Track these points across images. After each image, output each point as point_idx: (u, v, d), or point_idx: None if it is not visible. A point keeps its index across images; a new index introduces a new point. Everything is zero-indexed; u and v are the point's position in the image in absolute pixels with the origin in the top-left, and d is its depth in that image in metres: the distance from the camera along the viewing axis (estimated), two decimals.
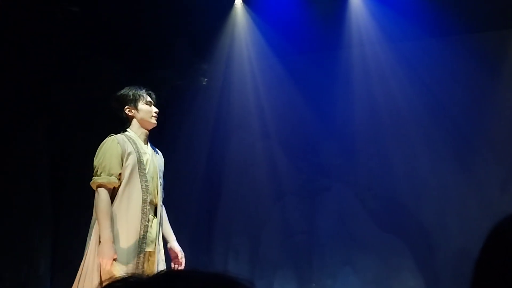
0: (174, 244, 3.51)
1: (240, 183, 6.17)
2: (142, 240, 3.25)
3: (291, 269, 5.84)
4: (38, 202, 5.55)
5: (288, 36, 5.85)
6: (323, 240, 5.79)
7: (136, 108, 3.46)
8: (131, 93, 3.47)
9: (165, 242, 3.51)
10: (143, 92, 3.50)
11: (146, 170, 3.35)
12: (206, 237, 6.19)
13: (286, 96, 6.05)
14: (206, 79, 6.37)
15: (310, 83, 5.98)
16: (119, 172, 3.25)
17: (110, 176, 3.22)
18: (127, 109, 3.46)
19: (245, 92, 6.16)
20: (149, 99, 3.51)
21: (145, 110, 3.47)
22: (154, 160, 3.45)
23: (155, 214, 3.39)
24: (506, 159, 5.27)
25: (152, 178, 3.38)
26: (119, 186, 3.26)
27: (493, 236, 1.06)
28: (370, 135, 5.76)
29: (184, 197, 5.91)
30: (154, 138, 3.62)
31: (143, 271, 3.21)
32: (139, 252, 3.23)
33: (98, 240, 3.17)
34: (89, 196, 3.40)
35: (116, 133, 3.41)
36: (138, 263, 3.22)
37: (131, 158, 3.29)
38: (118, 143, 3.29)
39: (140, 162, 3.32)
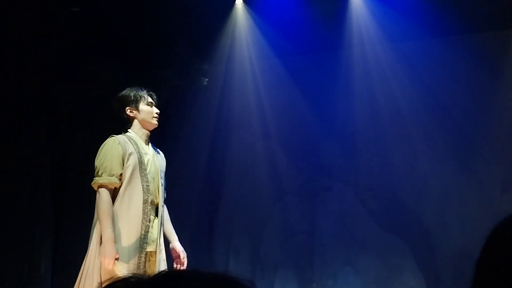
0: (176, 244, 3.52)
1: (240, 183, 6.17)
2: (143, 240, 3.26)
3: (292, 269, 5.84)
4: (38, 202, 5.55)
5: (288, 36, 5.85)
6: (324, 240, 5.79)
7: (137, 109, 3.47)
8: (132, 94, 3.48)
9: (167, 242, 3.52)
10: (144, 93, 3.51)
11: (147, 171, 3.36)
12: (207, 237, 6.19)
13: (286, 96, 6.05)
14: (206, 79, 6.37)
15: (311, 83, 5.98)
16: (120, 173, 3.27)
17: (111, 176, 3.24)
18: (128, 110, 3.47)
19: (246, 92, 6.16)
20: (150, 100, 3.52)
21: (146, 111, 3.48)
22: (155, 160, 3.46)
23: (156, 215, 3.40)
24: (507, 159, 5.27)
25: (153, 179, 3.40)
26: (120, 186, 3.27)
27: (493, 236, 1.06)
28: (370, 135, 5.76)
29: (184, 197, 5.91)
30: (155, 138, 3.62)
31: (144, 271, 3.22)
32: (140, 251, 3.24)
33: (100, 240, 3.19)
34: (90, 196, 3.41)
35: (117, 134, 3.42)
36: (140, 263, 3.23)
37: (132, 159, 3.31)
38: (119, 143, 3.31)
39: (141, 163, 3.33)
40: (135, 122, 3.48)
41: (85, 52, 5.80)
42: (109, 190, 3.24)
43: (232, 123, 6.26)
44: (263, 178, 6.05)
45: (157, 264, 3.34)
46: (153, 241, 3.33)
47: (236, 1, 5.97)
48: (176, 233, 3.61)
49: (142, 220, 3.27)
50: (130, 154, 3.31)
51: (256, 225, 6.04)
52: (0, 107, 5.23)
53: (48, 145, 5.69)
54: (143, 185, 3.31)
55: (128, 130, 3.47)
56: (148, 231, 3.29)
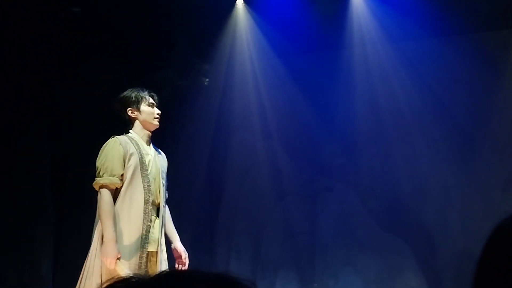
0: (178, 244, 3.53)
1: (241, 183, 6.17)
2: (144, 240, 3.28)
3: (293, 269, 5.84)
4: (39, 202, 5.56)
5: (289, 36, 5.85)
6: (325, 240, 5.79)
7: (138, 110, 3.49)
8: (133, 95, 3.50)
9: (169, 242, 3.53)
10: (145, 94, 3.53)
11: (148, 171, 3.38)
12: (208, 237, 6.19)
13: (287, 96, 6.05)
14: (207, 79, 6.37)
15: (312, 83, 5.97)
16: (121, 173, 3.29)
17: (113, 177, 3.26)
18: (130, 111, 3.48)
19: (247, 92, 6.16)
20: (151, 100, 3.54)
21: (148, 112, 3.49)
22: (157, 161, 3.47)
23: (158, 215, 3.41)
24: (508, 159, 5.27)
25: (154, 179, 3.41)
26: (122, 186, 3.29)
27: (494, 236, 1.06)
28: (371, 135, 5.76)
29: (185, 197, 5.91)
30: (156, 138, 3.63)
31: (145, 271, 3.24)
32: (142, 250, 3.25)
33: (101, 240, 3.21)
34: (90, 196, 3.41)
35: (117, 134, 3.43)
36: (141, 263, 3.25)
37: (133, 159, 3.32)
38: (120, 144, 3.33)
39: (142, 163, 3.35)
40: (137, 123, 3.49)
41: (85, 52, 5.80)
42: (110, 190, 3.26)
43: (233, 123, 6.26)
44: (264, 178, 6.05)
45: (158, 264, 3.36)
46: (154, 241, 3.34)
47: (237, 1, 5.97)
48: (177, 233, 3.62)
49: (143, 220, 3.29)
50: (131, 155, 3.32)
51: (257, 225, 6.04)
52: (1, 107, 5.23)
53: (48, 145, 5.69)
54: (144, 186, 3.33)
55: (130, 130, 3.49)
56: (149, 231, 3.31)
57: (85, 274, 3.24)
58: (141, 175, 3.33)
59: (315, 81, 5.95)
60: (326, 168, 5.93)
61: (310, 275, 5.80)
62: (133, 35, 5.93)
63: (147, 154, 3.43)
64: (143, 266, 3.25)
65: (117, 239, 3.19)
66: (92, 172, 3.37)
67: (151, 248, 3.32)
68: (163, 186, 3.47)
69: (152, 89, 3.68)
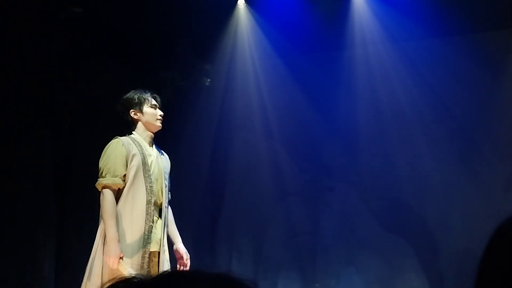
0: (179, 245, 3.55)
1: (243, 183, 6.17)
2: (146, 240, 3.30)
3: (295, 269, 5.84)
4: (42, 203, 5.56)
5: (290, 36, 5.84)
6: (327, 240, 5.79)
7: (141, 111, 3.51)
8: (136, 96, 3.52)
9: (171, 243, 3.55)
10: (148, 96, 3.55)
11: (151, 172, 3.40)
12: (210, 237, 6.20)
13: (289, 96, 6.05)
14: (209, 80, 6.37)
15: (313, 83, 5.97)
16: (123, 173, 3.32)
17: (115, 177, 3.29)
18: (132, 113, 3.51)
19: (248, 93, 6.16)
20: (154, 102, 3.56)
21: (150, 113, 3.52)
22: (159, 162, 3.50)
23: (160, 215, 3.43)
24: (509, 159, 5.26)
25: (157, 180, 3.44)
26: (124, 187, 3.32)
27: (496, 236, 1.06)
28: (373, 135, 5.75)
29: (187, 197, 5.91)
30: (157, 139, 3.64)
31: (148, 271, 3.25)
32: (144, 250, 3.27)
33: (104, 239, 3.23)
34: (92, 196, 3.43)
35: (119, 133, 3.46)
36: (143, 263, 3.27)
37: (135, 160, 3.35)
38: (122, 145, 3.35)
39: (144, 164, 3.37)
40: (139, 124, 3.52)
41: (87, 53, 5.80)
42: (113, 190, 3.29)
43: (234, 123, 6.26)
44: (265, 178, 6.05)
45: (160, 264, 3.38)
46: (156, 241, 3.36)
47: (238, 2, 5.97)
48: (179, 234, 3.63)
49: (145, 221, 3.31)
50: (133, 155, 3.35)
51: (258, 225, 6.04)
52: (2, 107, 5.24)
53: (50, 145, 5.70)
54: (146, 186, 3.35)
55: (132, 132, 3.51)
56: (151, 231, 3.33)
57: (88, 273, 3.26)
58: (144, 175, 3.36)
59: (317, 81, 5.95)
60: (327, 168, 5.93)
61: (312, 275, 5.80)
62: (134, 35, 5.93)
63: (150, 155, 3.45)
64: (145, 266, 3.27)
65: (120, 238, 3.21)
66: (93, 172, 3.38)
67: (153, 248, 3.34)
68: (165, 187, 3.49)
69: (154, 89, 3.69)
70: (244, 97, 6.18)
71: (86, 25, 5.64)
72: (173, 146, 5.18)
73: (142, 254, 3.28)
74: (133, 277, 0.83)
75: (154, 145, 3.56)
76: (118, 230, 3.22)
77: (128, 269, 3.15)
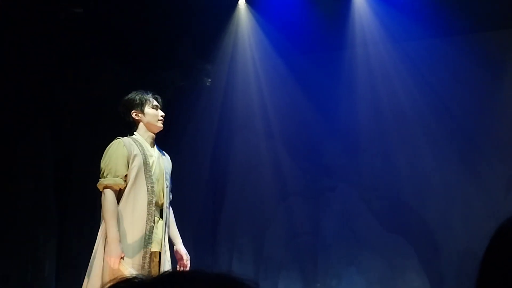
0: (180, 246, 3.57)
1: (244, 183, 6.17)
2: (147, 240, 3.31)
3: (296, 270, 5.84)
4: (42, 203, 5.57)
5: (291, 36, 5.84)
6: (328, 240, 5.79)
7: (142, 112, 3.53)
8: (137, 97, 3.54)
9: (171, 244, 3.56)
10: (149, 96, 3.57)
11: (152, 172, 3.42)
12: (211, 238, 6.20)
13: (289, 96, 6.05)
14: (209, 80, 6.37)
15: (314, 83, 5.97)
16: (125, 174, 3.33)
17: (116, 177, 3.30)
18: (134, 113, 3.53)
19: (249, 93, 6.16)
20: (155, 103, 3.58)
21: (152, 114, 3.53)
22: (161, 162, 3.52)
23: (161, 216, 3.44)
24: (510, 159, 5.25)
25: (158, 180, 3.45)
26: (125, 187, 3.33)
27: (497, 236, 1.06)
28: (374, 135, 5.75)
29: (188, 197, 5.91)
30: (158, 139, 3.65)
31: (149, 271, 3.26)
32: (145, 248, 3.28)
33: (105, 239, 3.25)
34: (93, 197, 3.44)
35: (119, 134, 3.47)
36: (144, 263, 3.28)
37: (137, 160, 3.36)
38: (124, 145, 3.37)
39: (146, 164, 3.39)
40: (141, 125, 3.53)
41: (87, 53, 5.81)
42: (114, 191, 3.31)
43: (235, 123, 6.26)
44: (266, 178, 6.05)
45: (161, 264, 3.39)
46: (157, 241, 3.37)
47: (239, 2, 5.97)
48: (180, 234, 3.66)
49: (146, 221, 3.33)
50: (135, 156, 3.37)
51: (259, 225, 6.04)
52: (3, 108, 5.24)
53: (50, 146, 5.70)
54: (147, 186, 3.37)
55: (134, 132, 3.53)
56: (152, 231, 3.35)
57: (89, 273, 3.27)
58: (145, 176, 3.37)
59: (317, 81, 5.95)
60: (328, 168, 5.93)
61: (313, 275, 5.80)
62: (135, 35, 5.93)
63: (151, 156, 3.47)
64: (146, 266, 3.28)
65: (121, 239, 3.23)
66: (94, 172, 3.39)
67: (154, 248, 3.35)
68: (166, 187, 3.51)
69: (154, 90, 3.71)
70: (244, 97, 6.17)
71: (87, 25, 5.64)
72: (174, 146, 5.19)
73: (143, 254, 3.29)
74: (134, 277, 0.83)
75: (155, 146, 3.58)
76: (119, 230, 3.24)
77: (129, 269, 3.16)
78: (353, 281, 5.61)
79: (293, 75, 6.00)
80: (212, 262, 6.01)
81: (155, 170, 3.44)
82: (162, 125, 3.57)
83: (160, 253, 3.40)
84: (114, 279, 0.84)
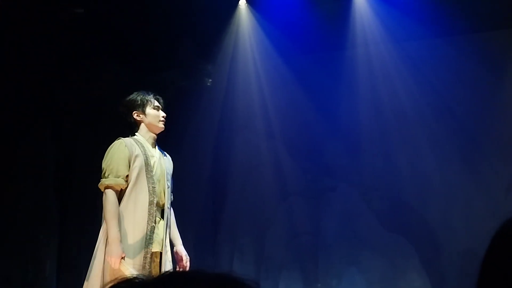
0: (180, 248, 3.58)
1: (244, 183, 6.17)
2: (148, 240, 3.32)
3: (297, 270, 5.84)
4: (43, 203, 5.57)
5: (292, 37, 5.84)
6: (328, 240, 5.79)
7: (144, 113, 3.54)
8: (139, 98, 3.55)
9: (171, 245, 3.57)
10: (150, 97, 3.59)
11: (153, 172, 3.43)
12: (211, 238, 6.20)
13: (290, 96, 6.05)
14: (210, 80, 6.37)
15: (315, 83, 5.97)
16: (126, 174, 3.34)
17: (118, 178, 3.31)
18: (135, 114, 3.54)
19: (250, 93, 6.16)
20: (156, 104, 3.60)
21: (153, 115, 3.55)
22: (162, 163, 3.53)
23: (162, 216, 3.45)
24: (511, 159, 5.25)
25: (159, 181, 3.46)
26: (127, 187, 3.34)
27: (499, 237, 1.06)
28: (374, 135, 5.75)
29: (189, 197, 5.92)
30: (159, 139, 3.65)
31: (149, 271, 3.27)
32: (146, 249, 3.28)
33: (106, 239, 3.25)
34: (94, 197, 3.44)
35: (120, 134, 3.48)
36: (145, 263, 3.29)
37: (138, 160, 3.38)
38: (125, 146, 3.38)
39: (147, 165, 3.40)
40: (142, 125, 3.55)
41: (88, 53, 5.81)
42: (116, 191, 3.32)
43: (236, 123, 6.26)
44: (267, 178, 6.05)
45: (162, 264, 3.40)
46: (158, 242, 3.38)
47: (240, 2, 5.97)
48: (180, 234, 3.66)
49: (147, 221, 3.34)
50: (136, 156, 3.38)
51: (260, 225, 6.04)
52: (3, 108, 5.24)
53: (51, 146, 5.71)
54: (149, 187, 3.38)
55: (135, 133, 3.54)
56: (153, 232, 3.35)
57: (90, 273, 3.28)
58: (146, 176, 3.38)
59: (318, 81, 5.95)
60: (329, 168, 5.93)
61: (314, 275, 5.80)
62: (135, 35, 5.93)
63: (152, 156, 3.48)
64: (147, 267, 3.29)
65: (122, 239, 3.23)
66: (94, 172, 3.40)
67: (155, 248, 3.36)
68: (168, 188, 3.52)
69: (155, 90, 3.72)
70: (245, 97, 6.17)
71: (87, 25, 5.64)
72: (174, 146, 5.19)
73: (144, 254, 3.29)
74: (135, 278, 0.83)
75: (157, 146, 3.59)
76: (120, 230, 3.24)
77: (130, 269, 3.17)
78: (353, 281, 5.61)
79: (294, 75, 6.00)
80: (213, 262, 6.01)
81: (156, 170, 3.45)
82: (163, 126, 3.59)
83: (161, 253, 3.41)
84: (115, 279, 0.84)
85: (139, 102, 3.54)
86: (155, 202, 3.37)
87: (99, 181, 3.34)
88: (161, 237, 3.40)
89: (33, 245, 5.44)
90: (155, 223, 3.36)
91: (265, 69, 6.11)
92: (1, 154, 5.26)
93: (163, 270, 3.35)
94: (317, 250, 5.83)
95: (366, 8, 5.69)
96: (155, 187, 3.39)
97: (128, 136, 3.49)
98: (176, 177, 3.73)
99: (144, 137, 3.52)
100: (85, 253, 3.48)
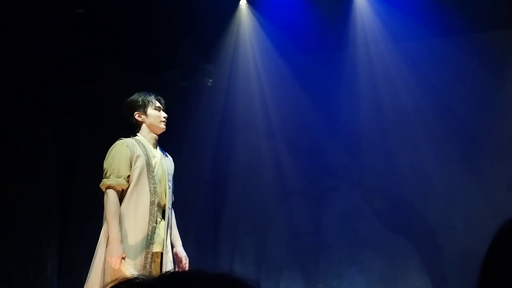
0: (179, 249, 3.59)
1: (245, 183, 6.17)
2: (149, 241, 3.32)
3: (298, 270, 5.84)
4: (44, 203, 5.57)
5: (292, 36, 5.84)
6: (329, 240, 5.79)
7: (145, 113, 3.56)
8: (140, 99, 3.57)
9: (171, 246, 3.56)
10: (152, 98, 3.60)
11: (155, 173, 3.44)
12: (212, 238, 6.20)
13: (291, 96, 6.05)
14: (211, 80, 6.37)
15: (315, 83, 5.97)
16: (127, 174, 3.35)
17: (119, 178, 3.32)
18: (137, 115, 3.55)
19: (250, 93, 6.16)
20: (158, 104, 3.61)
21: (154, 116, 3.56)
22: (163, 163, 3.54)
23: (163, 217, 3.45)
24: None
25: (160, 181, 3.47)
26: (128, 188, 3.35)
27: (499, 236, 1.06)
28: (375, 135, 5.75)
29: (190, 197, 5.92)
30: (160, 139, 3.66)
31: (150, 272, 3.27)
32: (147, 249, 3.29)
33: (107, 239, 3.26)
34: (95, 197, 3.44)
35: (121, 134, 3.49)
36: (146, 263, 3.29)
37: (139, 161, 3.39)
38: (127, 146, 3.39)
39: (148, 165, 3.41)
40: (143, 126, 3.56)
41: (89, 53, 5.81)
42: (117, 191, 3.32)
43: (237, 123, 6.26)
44: (268, 178, 6.05)
45: (163, 265, 3.40)
46: (159, 242, 3.39)
47: (240, 2, 5.97)
48: (181, 234, 3.67)
49: (148, 221, 3.34)
50: (138, 157, 3.39)
51: (261, 225, 6.03)
52: (4, 108, 5.25)
53: (52, 146, 5.71)
54: (150, 187, 3.38)
55: (137, 134, 3.55)
56: (154, 232, 3.36)
57: (91, 273, 3.28)
58: (147, 176, 3.39)
59: (319, 81, 5.95)
60: (330, 168, 5.93)
61: (315, 275, 5.79)
62: (136, 35, 5.94)
63: (154, 157, 3.49)
64: (148, 267, 3.29)
65: (123, 239, 3.24)
66: (95, 172, 3.40)
67: (156, 248, 3.36)
68: (169, 188, 3.53)
69: (156, 90, 3.73)
70: (246, 97, 6.18)
71: (88, 25, 5.65)
72: (175, 146, 5.19)
73: (145, 254, 3.30)
74: (136, 278, 0.83)
75: (158, 147, 3.60)
76: (121, 230, 3.25)
77: (130, 269, 3.17)
78: (354, 281, 5.61)
79: (295, 75, 6.00)
80: (214, 262, 6.01)
81: (157, 171, 3.45)
82: (164, 126, 3.60)
83: (162, 253, 3.41)
84: (116, 279, 0.84)
85: (140, 102, 3.55)
86: (156, 202, 3.38)
87: (100, 181, 3.35)
88: (162, 237, 3.40)
89: (33, 245, 5.45)
90: (156, 223, 3.37)
91: (265, 69, 6.11)
92: (1, 154, 5.27)
93: (164, 270, 3.35)
94: (318, 250, 5.83)
95: (367, 8, 5.69)
96: (156, 188, 3.40)
97: (129, 137, 3.50)
98: (177, 177, 3.74)
99: (145, 137, 3.53)
100: (86, 253, 3.48)
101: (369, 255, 5.59)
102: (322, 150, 5.97)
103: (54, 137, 5.72)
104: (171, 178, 3.59)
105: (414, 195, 5.55)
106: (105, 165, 3.37)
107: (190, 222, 5.83)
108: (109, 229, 3.24)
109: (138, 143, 3.45)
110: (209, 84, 6.37)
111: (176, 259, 3.56)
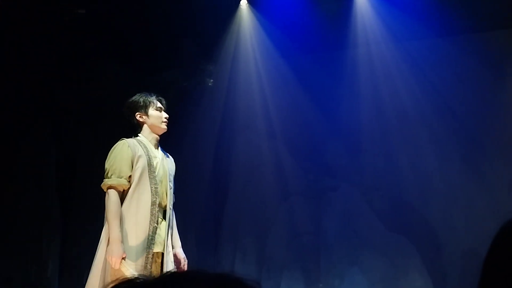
0: (179, 250, 3.59)
1: (246, 183, 6.17)
2: (150, 241, 3.33)
3: (298, 270, 5.84)
4: (45, 203, 5.57)
5: (293, 36, 5.84)
6: (330, 240, 5.78)
7: (146, 114, 3.56)
8: (141, 99, 3.58)
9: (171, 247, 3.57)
10: (153, 98, 3.61)
11: (156, 173, 3.44)
12: (213, 238, 6.20)
13: (291, 96, 6.05)
14: (212, 80, 6.37)
15: (316, 83, 5.97)
16: (129, 175, 3.36)
17: (120, 178, 3.33)
18: (138, 115, 3.56)
19: (251, 93, 6.16)
20: (159, 105, 3.62)
21: (156, 116, 3.57)
22: (164, 164, 3.54)
23: (164, 217, 3.46)
24: None
25: (161, 182, 3.47)
26: (129, 188, 3.35)
27: (500, 236, 1.06)
28: (376, 135, 5.75)
29: (190, 197, 5.92)
30: (161, 139, 3.66)
31: (151, 272, 3.28)
32: (148, 251, 3.29)
33: (108, 240, 3.26)
34: (96, 197, 3.45)
35: (121, 134, 3.50)
36: (147, 263, 3.29)
37: (141, 161, 3.39)
38: (128, 146, 3.40)
39: (150, 165, 3.41)
40: (145, 126, 3.57)
41: (89, 53, 5.81)
42: (118, 191, 3.33)
43: (237, 123, 6.26)
44: (268, 178, 6.05)
45: (164, 265, 3.41)
46: (160, 242, 3.39)
47: (241, 2, 5.97)
48: (182, 234, 3.67)
49: (149, 222, 3.35)
50: (139, 157, 3.39)
51: (262, 225, 6.03)
52: (4, 108, 5.25)
53: (53, 146, 5.71)
54: (151, 187, 3.39)
55: (138, 134, 3.56)
56: (155, 232, 3.36)
57: (92, 274, 3.29)
58: (149, 177, 3.39)
59: (319, 81, 5.95)
60: (330, 168, 5.93)
61: (316, 275, 5.79)
62: (136, 35, 5.94)
63: (155, 157, 3.49)
64: (149, 267, 3.30)
65: (123, 239, 3.24)
66: (96, 172, 3.41)
67: (157, 249, 3.37)
68: (170, 188, 3.53)
69: (156, 90, 3.74)
70: (247, 97, 6.17)
71: (88, 25, 5.65)
72: (176, 146, 5.18)
73: (146, 255, 3.30)
74: (136, 278, 0.83)
75: (159, 147, 3.61)
76: (122, 230, 3.25)
77: (130, 269, 3.17)
78: (355, 281, 5.61)
79: (295, 75, 6.00)
80: (215, 262, 6.01)
81: (159, 171, 3.46)
82: (166, 127, 3.61)
83: (162, 254, 3.41)
84: (116, 279, 0.84)
85: (141, 103, 3.56)
86: (157, 202, 3.38)
87: (101, 181, 3.35)
88: (163, 237, 3.41)
89: (34, 246, 5.45)
90: (157, 223, 3.37)
91: (266, 69, 6.11)
92: (1, 154, 5.27)
93: (164, 270, 3.36)
94: (319, 250, 5.83)
95: (367, 8, 5.69)
96: (157, 188, 3.41)
97: (130, 137, 3.51)
98: (178, 177, 3.74)
99: (147, 138, 3.54)
100: (87, 253, 3.48)
101: (370, 255, 5.59)
102: (322, 150, 5.97)
103: (54, 137, 5.73)
104: (172, 178, 3.59)
105: (414, 195, 5.54)
106: (106, 165, 3.38)
107: (191, 222, 5.83)
108: (109, 229, 3.24)
109: (139, 144, 3.45)
110: (209, 84, 6.37)
111: (175, 260, 3.56)
